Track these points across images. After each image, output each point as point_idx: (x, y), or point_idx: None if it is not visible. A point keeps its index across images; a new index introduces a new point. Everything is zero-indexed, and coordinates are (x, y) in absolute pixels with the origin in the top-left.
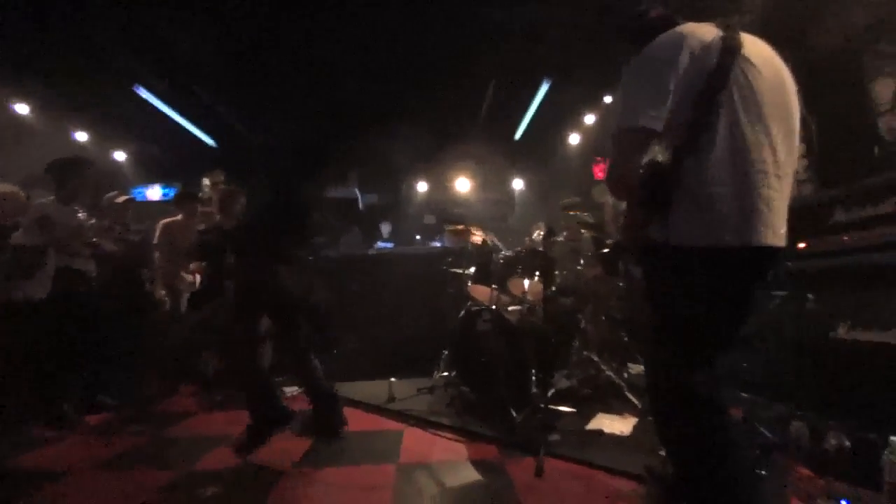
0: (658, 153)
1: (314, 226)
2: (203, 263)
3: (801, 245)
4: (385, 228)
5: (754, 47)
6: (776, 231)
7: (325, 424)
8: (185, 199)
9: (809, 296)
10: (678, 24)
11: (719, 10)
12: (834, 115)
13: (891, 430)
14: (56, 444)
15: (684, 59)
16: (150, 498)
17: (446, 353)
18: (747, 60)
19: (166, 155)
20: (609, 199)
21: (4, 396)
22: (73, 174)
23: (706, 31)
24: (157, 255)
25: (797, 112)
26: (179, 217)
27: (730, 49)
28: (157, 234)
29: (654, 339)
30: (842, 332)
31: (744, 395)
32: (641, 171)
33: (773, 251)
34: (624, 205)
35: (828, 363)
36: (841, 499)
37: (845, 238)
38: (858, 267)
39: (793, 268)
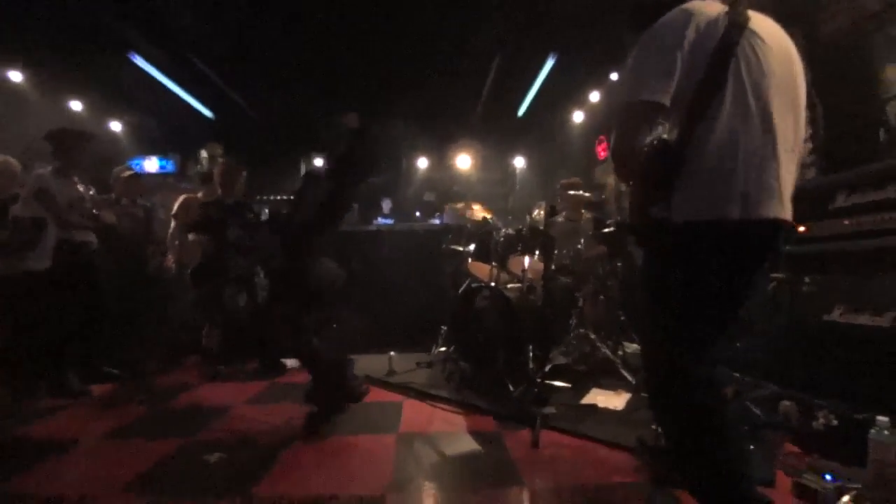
0: (664, 130)
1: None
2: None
3: (802, 229)
4: (386, 204)
5: (762, 22)
6: (784, 204)
7: (332, 398)
8: (209, 178)
9: (806, 279)
10: (684, 2)
11: None
12: (841, 100)
13: (878, 410)
14: (63, 415)
15: (690, 34)
16: (157, 465)
17: (445, 328)
18: (755, 34)
19: (163, 126)
20: (611, 181)
21: (11, 367)
22: (73, 145)
23: (712, 8)
24: (172, 225)
25: (804, 89)
26: (199, 194)
27: (736, 23)
28: (176, 207)
29: (654, 320)
30: (836, 315)
31: (735, 374)
32: (647, 148)
33: (780, 225)
34: (624, 186)
35: (820, 345)
36: (825, 473)
37: (846, 223)
38: (856, 251)
39: (791, 251)
